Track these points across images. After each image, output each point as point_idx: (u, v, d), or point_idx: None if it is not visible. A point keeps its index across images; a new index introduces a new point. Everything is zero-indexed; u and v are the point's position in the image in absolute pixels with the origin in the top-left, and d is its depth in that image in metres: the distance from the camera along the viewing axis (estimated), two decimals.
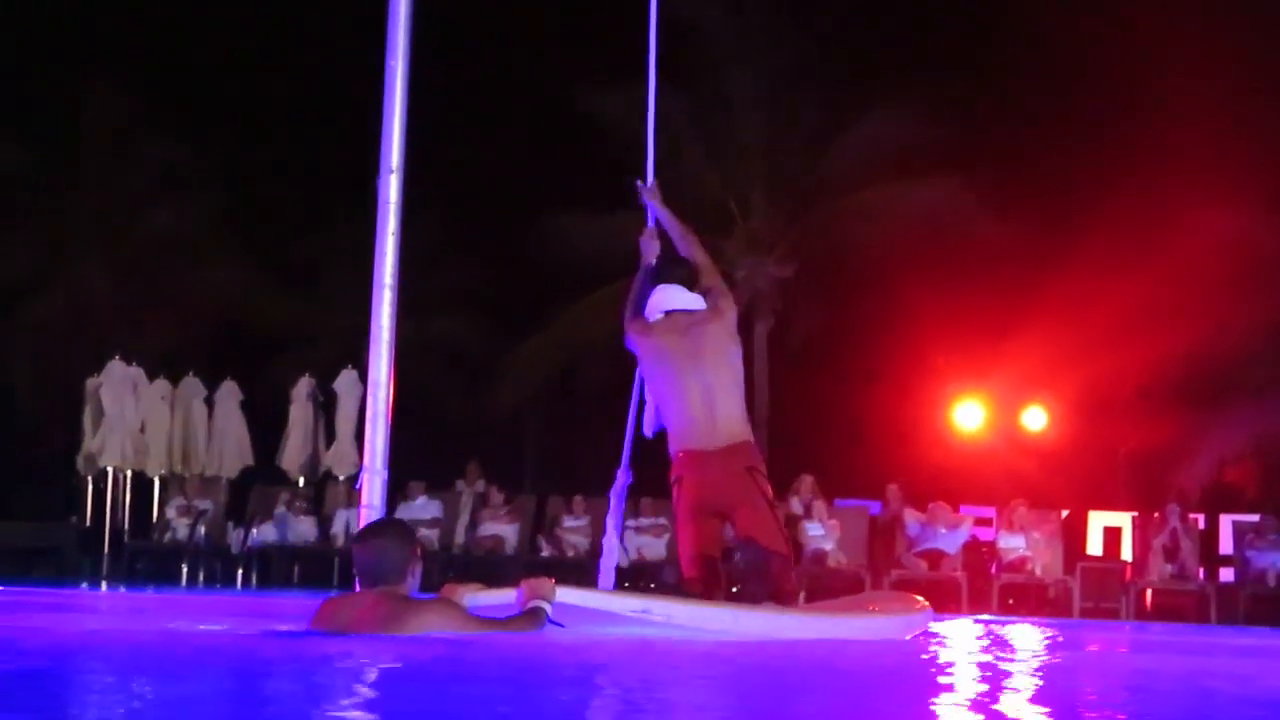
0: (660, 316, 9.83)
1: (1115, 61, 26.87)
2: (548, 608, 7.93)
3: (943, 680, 6.48)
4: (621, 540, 10.40)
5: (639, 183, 10.10)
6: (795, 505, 21.53)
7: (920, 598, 10.86)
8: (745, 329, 26.94)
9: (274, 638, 8.00)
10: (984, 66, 27.41)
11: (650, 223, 10.11)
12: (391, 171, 9.72)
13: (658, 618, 8.59)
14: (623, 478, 10.01)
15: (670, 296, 9.82)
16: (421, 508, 21.56)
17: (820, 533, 20.97)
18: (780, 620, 9.12)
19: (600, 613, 8.47)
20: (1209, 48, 25.07)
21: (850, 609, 10.37)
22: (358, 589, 7.88)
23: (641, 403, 9.96)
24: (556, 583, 8.16)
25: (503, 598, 8.10)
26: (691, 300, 9.82)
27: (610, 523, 10.05)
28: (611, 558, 9.90)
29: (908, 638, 9.70)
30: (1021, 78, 27.52)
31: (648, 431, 9.84)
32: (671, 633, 8.50)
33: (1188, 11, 25.17)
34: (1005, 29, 27.44)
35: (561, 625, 7.91)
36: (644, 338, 9.68)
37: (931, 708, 5.25)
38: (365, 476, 9.70)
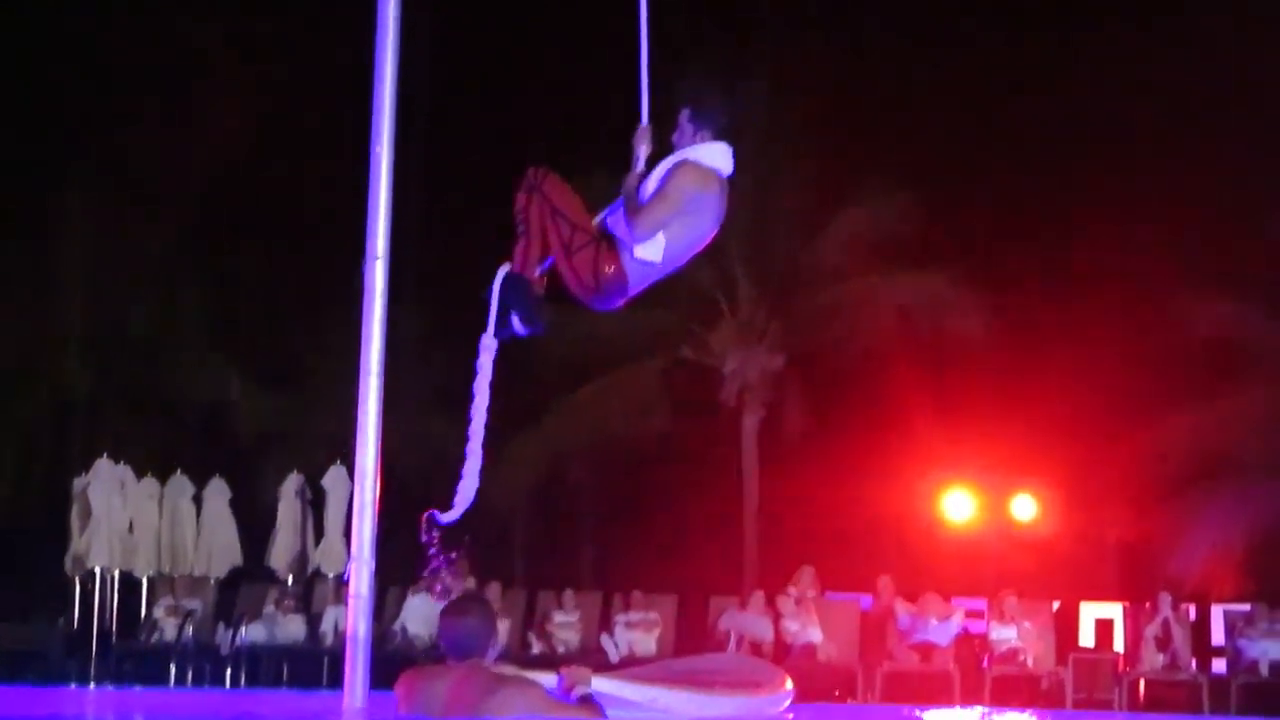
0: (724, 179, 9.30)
1: (1101, 148, 27.03)
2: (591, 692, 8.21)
3: None
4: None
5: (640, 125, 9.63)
6: (790, 594, 21.51)
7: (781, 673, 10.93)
8: (735, 421, 26.95)
9: None
10: (967, 156, 27.52)
11: (637, 163, 9.56)
12: (377, 258, 9.67)
13: (659, 707, 9.00)
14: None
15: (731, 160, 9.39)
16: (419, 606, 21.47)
17: (796, 626, 20.95)
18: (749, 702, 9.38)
19: (615, 698, 8.71)
20: (1194, 137, 25.24)
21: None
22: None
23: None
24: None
25: (545, 680, 8.22)
26: None
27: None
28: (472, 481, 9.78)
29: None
30: (1006, 165, 27.63)
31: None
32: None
33: (1174, 103, 25.35)
34: (989, 117, 27.60)
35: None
36: (723, 195, 9.32)
37: None
38: (353, 566, 9.60)
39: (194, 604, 23.11)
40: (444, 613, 8.30)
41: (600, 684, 8.44)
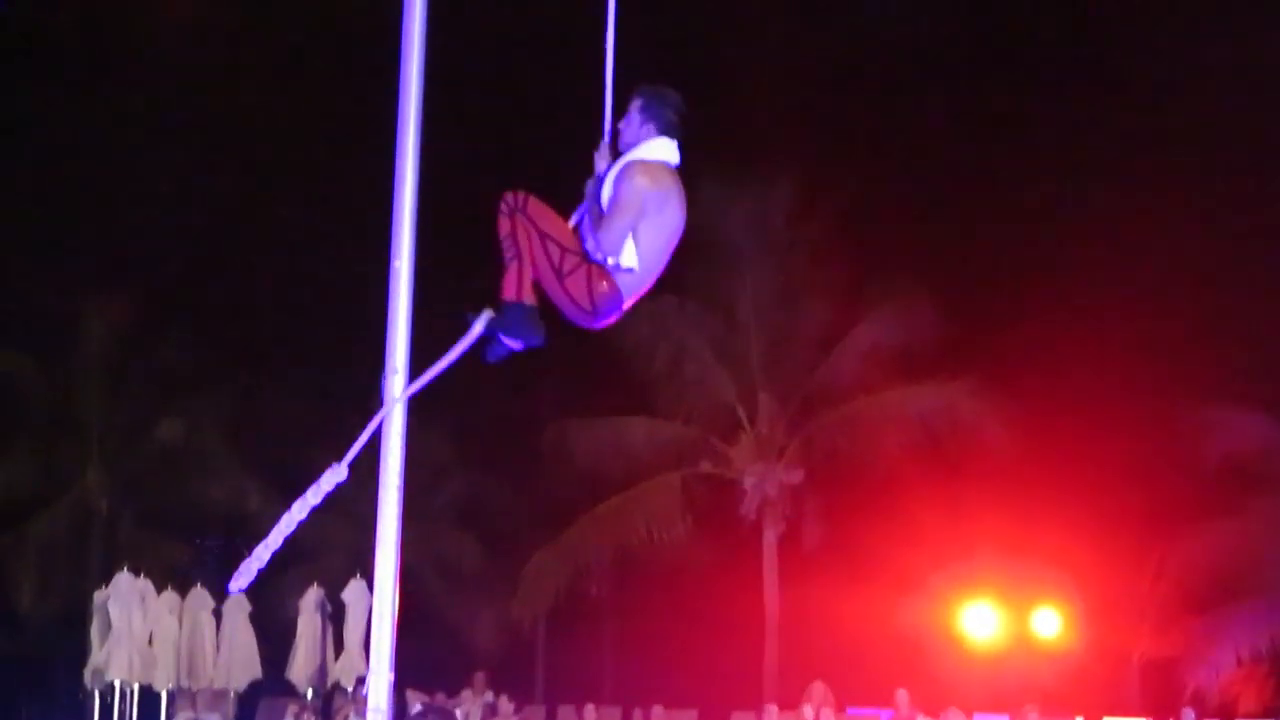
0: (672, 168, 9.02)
1: (1115, 256, 27.15)
2: None
3: None
4: None
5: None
6: (807, 713, 21.46)
7: None
8: (755, 534, 26.90)
9: None
10: (981, 268, 27.67)
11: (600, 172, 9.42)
12: (396, 372, 9.68)
13: None
14: None
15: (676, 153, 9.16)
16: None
17: None
18: None
19: None
20: (1202, 247, 25.38)
21: None
22: None
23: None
24: None
25: None
26: None
27: None
28: None
29: None
30: (1020, 277, 27.76)
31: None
32: None
33: (1179, 207, 25.47)
34: (999, 233, 27.81)
35: None
36: (678, 185, 9.13)
37: None
38: (370, 679, 9.54)
39: (214, 717, 23.08)
40: None
41: None
